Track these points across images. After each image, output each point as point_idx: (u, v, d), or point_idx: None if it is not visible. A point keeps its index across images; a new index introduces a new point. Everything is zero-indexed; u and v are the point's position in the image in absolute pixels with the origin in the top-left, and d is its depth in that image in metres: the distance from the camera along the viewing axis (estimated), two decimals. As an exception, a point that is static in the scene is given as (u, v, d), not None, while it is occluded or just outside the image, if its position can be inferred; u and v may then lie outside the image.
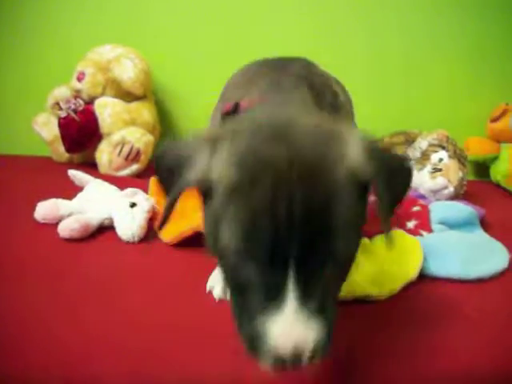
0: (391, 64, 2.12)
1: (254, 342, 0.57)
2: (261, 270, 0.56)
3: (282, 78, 0.86)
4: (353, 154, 0.59)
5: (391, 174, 0.62)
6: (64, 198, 1.37)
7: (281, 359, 0.55)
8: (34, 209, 1.31)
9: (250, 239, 0.54)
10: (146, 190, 1.45)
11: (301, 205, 0.53)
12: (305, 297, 0.55)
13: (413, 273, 1.08)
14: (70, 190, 1.42)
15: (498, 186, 2.04)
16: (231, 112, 0.77)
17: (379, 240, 1.21)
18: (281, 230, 0.53)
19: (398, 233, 1.24)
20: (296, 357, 0.54)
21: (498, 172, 2.01)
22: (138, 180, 1.74)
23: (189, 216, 1.25)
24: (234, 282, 0.61)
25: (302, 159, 0.55)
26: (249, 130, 0.60)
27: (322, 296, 0.57)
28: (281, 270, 0.55)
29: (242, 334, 0.60)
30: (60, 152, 1.92)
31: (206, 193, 0.60)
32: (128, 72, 1.81)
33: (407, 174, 0.67)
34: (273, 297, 0.55)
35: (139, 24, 2.05)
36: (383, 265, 1.09)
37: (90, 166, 1.87)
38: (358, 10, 2.07)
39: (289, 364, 0.55)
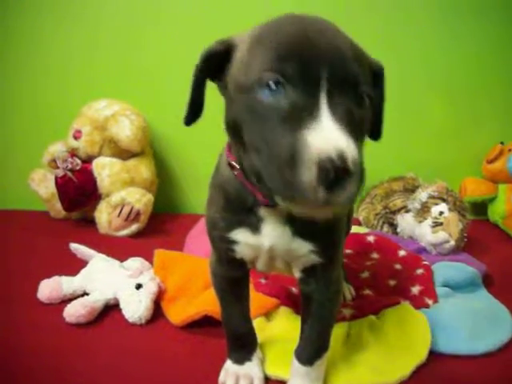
0: (386, 104, 2.11)
1: (292, 163, 0.54)
2: (293, 90, 0.58)
3: None
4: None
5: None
6: (64, 264, 1.39)
7: (325, 166, 0.52)
8: (34, 281, 1.31)
9: (284, 57, 0.58)
10: (146, 253, 1.46)
11: (331, 35, 0.60)
12: (338, 118, 0.56)
13: (422, 355, 1.08)
14: (70, 255, 1.44)
15: (496, 225, 2.05)
16: None
17: (386, 316, 1.21)
18: (313, 50, 0.58)
19: (404, 308, 1.24)
20: (340, 160, 0.52)
21: (496, 213, 2.02)
22: (139, 241, 1.75)
23: (196, 297, 1.25)
24: (261, 124, 0.60)
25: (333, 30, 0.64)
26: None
27: (352, 130, 0.57)
28: (313, 90, 0.57)
29: (274, 170, 0.57)
30: (57, 209, 1.90)
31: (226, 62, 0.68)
32: (125, 131, 1.79)
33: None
34: (306, 115, 0.56)
35: (134, 76, 2.04)
36: (392, 349, 1.09)
37: (88, 224, 1.87)
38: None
39: (333, 172, 0.52)
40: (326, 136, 0.54)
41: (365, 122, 0.65)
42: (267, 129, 0.59)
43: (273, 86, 0.58)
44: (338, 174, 0.53)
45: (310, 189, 0.53)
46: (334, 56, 0.58)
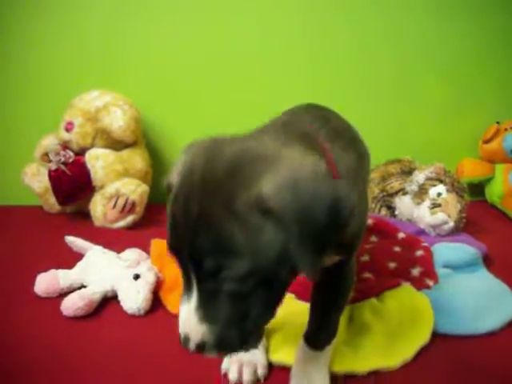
0: (381, 86, 2.11)
1: None
2: (179, 262, 0.65)
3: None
4: (271, 181, 0.58)
5: (306, 209, 0.58)
6: (61, 258, 1.38)
7: (181, 342, 0.65)
8: (30, 275, 1.29)
9: (168, 235, 0.65)
10: (143, 244, 1.44)
11: (196, 219, 0.59)
12: (203, 300, 0.63)
13: (425, 337, 1.07)
14: (66, 249, 1.43)
15: (493, 206, 2.04)
16: None
17: (388, 298, 1.20)
18: (179, 236, 0.62)
19: (405, 289, 1.23)
20: (184, 343, 0.64)
21: (493, 193, 2.02)
22: (135, 232, 1.74)
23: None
24: None
25: (213, 175, 0.60)
26: (200, 147, 0.66)
27: (219, 308, 0.63)
28: (187, 273, 0.63)
29: None
30: (51, 203, 1.88)
31: None
32: (118, 121, 1.76)
33: (336, 211, 0.59)
34: (187, 292, 0.64)
35: (125, 66, 2.02)
36: (395, 330, 1.08)
37: (83, 217, 1.85)
38: (346, 34, 2.06)
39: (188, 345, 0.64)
40: (182, 319, 0.65)
41: (235, 292, 0.63)
42: None
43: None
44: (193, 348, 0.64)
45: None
46: (194, 236, 0.60)
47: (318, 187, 0.59)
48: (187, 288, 0.64)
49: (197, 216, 0.59)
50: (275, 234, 0.58)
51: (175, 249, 0.63)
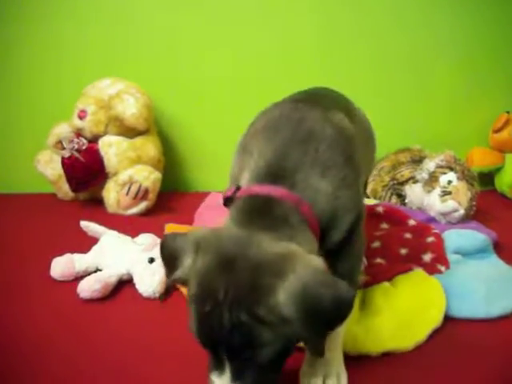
0: (391, 75, 2.11)
1: None
2: (209, 352, 0.75)
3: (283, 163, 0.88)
4: (283, 291, 0.70)
5: (316, 312, 0.71)
6: (75, 240, 1.41)
7: None
8: (46, 260, 1.32)
9: (198, 334, 0.73)
10: (156, 230, 1.47)
11: (230, 327, 0.70)
12: (236, 373, 0.73)
13: (437, 320, 1.08)
14: (80, 234, 1.44)
15: (503, 195, 2.05)
16: (231, 197, 0.88)
17: (400, 282, 1.21)
18: (214, 336, 0.71)
19: (417, 273, 1.24)
20: None
21: (503, 183, 2.02)
22: (148, 219, 1.76)
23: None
24: None
25: (236, 289, 0.71)
26: (212, 253, 0.75)
27: (247, 374, 0.73)
28: (219, 357, 0.73)
29: None
30: (65, 190, 1.90)
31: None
32: (131, 109, 1.78)
33: (338, 308, 0.72)
34: (217, 364, 0.74)
35: (137, 55, 2.03)
36: (407, 313, 1.09)
37: (97, 204, 1.87)
38: (358, 26, 2.07)
39: None
40: None
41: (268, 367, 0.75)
42: None
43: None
44: None
45: None
46: (229, 338, 0.70)
47: (321, 290, 0.71)
48: (218, 365, 0.74)
49: (230, 325, 0.70)
50: (290, 328, 0.71)
51: (209, 345, 0.73)
